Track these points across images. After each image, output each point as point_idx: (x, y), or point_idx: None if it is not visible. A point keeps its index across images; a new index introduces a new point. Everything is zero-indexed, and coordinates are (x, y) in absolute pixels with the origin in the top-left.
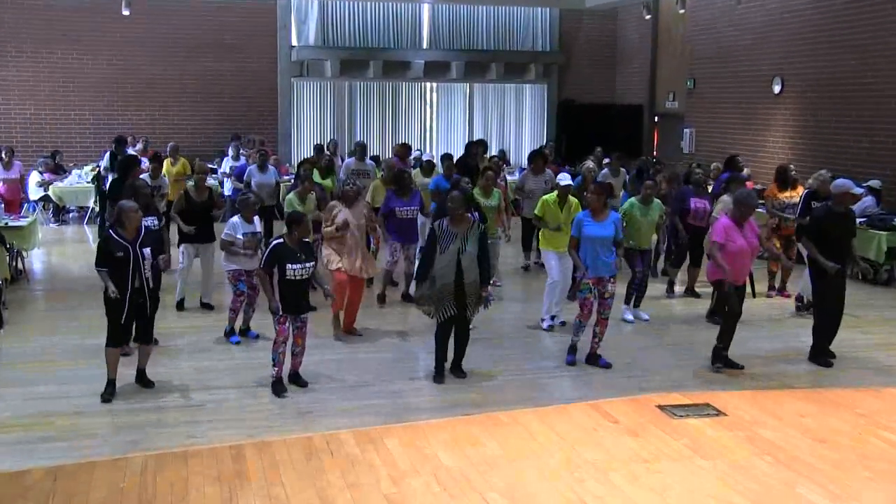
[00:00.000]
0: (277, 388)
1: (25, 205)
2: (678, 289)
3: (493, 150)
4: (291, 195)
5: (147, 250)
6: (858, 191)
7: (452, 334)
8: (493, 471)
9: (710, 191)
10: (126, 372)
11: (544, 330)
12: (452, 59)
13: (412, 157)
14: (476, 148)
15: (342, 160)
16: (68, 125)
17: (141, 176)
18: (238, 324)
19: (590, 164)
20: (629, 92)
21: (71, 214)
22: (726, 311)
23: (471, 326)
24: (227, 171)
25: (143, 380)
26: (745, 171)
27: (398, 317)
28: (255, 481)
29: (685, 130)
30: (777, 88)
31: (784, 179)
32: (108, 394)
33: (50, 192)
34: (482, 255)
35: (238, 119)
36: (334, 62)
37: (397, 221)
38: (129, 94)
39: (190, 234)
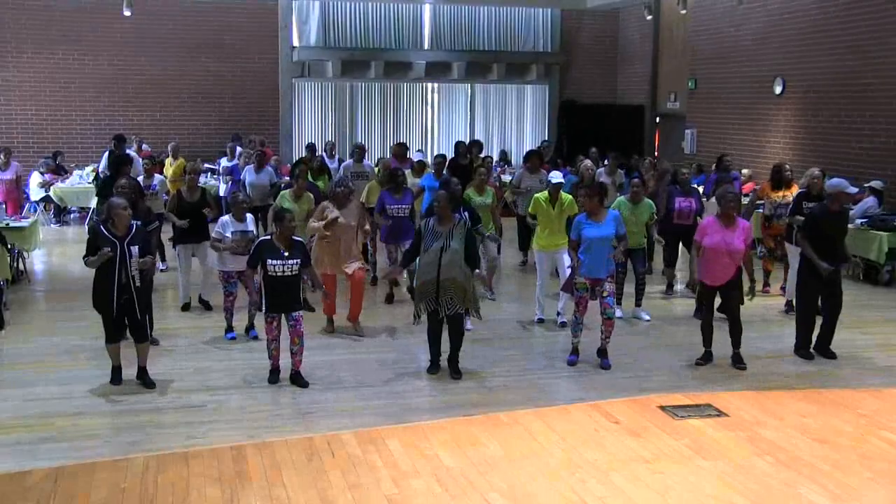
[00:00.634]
0: (271, 377)
1: (26, 205)
2: (678, 287)
3: (495, 151)
4: (285, 192)
5: (135, 248)
6: (852, 190)
7: (446, 331)
8: (493, 471)
9: (702, 191)
10: (127, 372)
11: (559, 326)
12: (454, 60)
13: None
14: (471, 148)
15: (339, 162)
16: (69, 126)
17: (138, 176)
18: (242, 323)
19: (588, 162)
20: (630, 92)
21: (72, 215)
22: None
23: (468, 328)
24: (223, 170)
25: (143, 378)
26: (746, 172)
27: (399, 317)
28: (256, 482)
29: (686, 131)
30: (778, 89)
31: (778, 179)
32: (116, 379)
33: (51, 193)
34: (469, 253)
35: (239, 119)
36: (335, 63)
37: (389, 220)
38: (129, 94)
39: (183, 227)
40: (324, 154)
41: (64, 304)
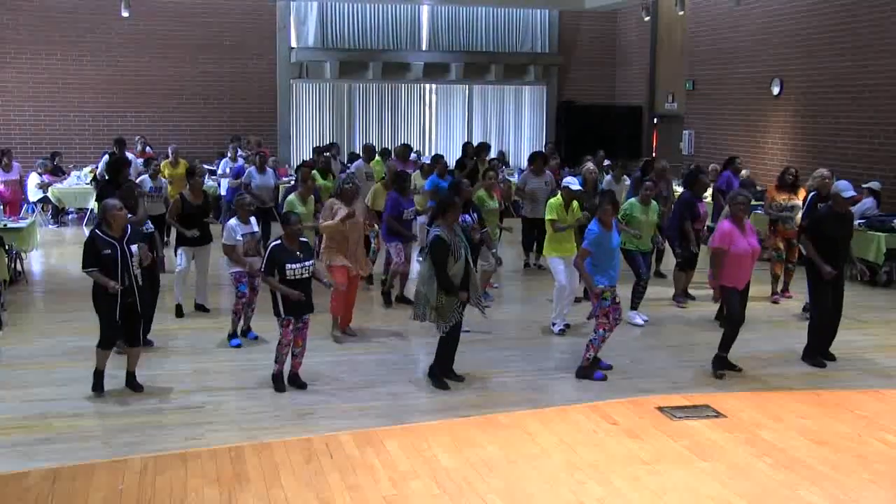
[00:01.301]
0: (278, 384)
1: (25, 206)
2: (693, 292)
3: (493, 152)
4: (293, 196)
5: (134, 247)
6: (847, 194)
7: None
8: (492, 473)
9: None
10: (121, 374)
11: (556, 335)
12: (452, 61)
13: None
14: (479, 151)
15: (342, 164)
16: (67, 127)
17: (141, 177)
18: (240, 325)
19: (590, 165)
20: (629, 93)
21: (70, 216)
22: (728, 317)
23: (465, 329)
24: (226, 171)
25: (132, 383)
26: (745, 172)
27: (397, 318)
28: (255, 483)
29: (685, 132)
30: (776, 90)
31: (782, 182)
32: (99, 387)
33: (49, 194)
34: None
35: (237, 120)
36: (333, 63)
37: (412, 216)
38: (128, 95)
39: (193, 237)
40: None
41: (62, 304)
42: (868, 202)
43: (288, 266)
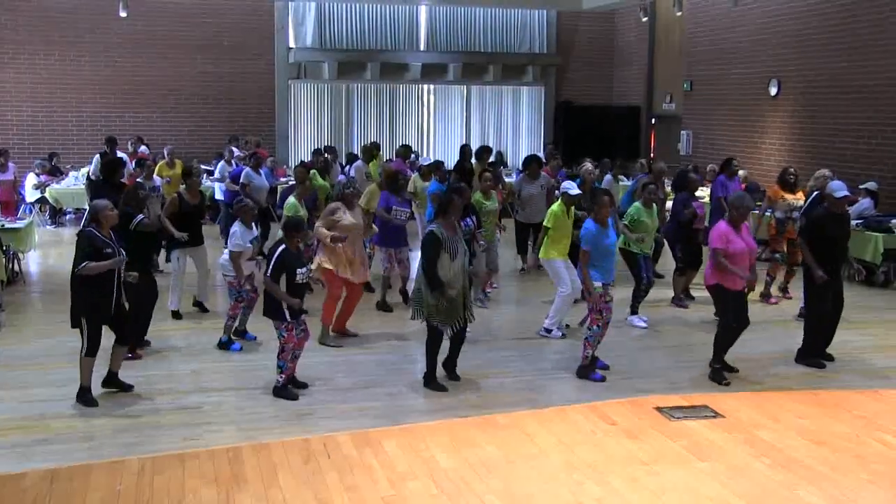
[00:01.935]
0: (287, 393)
1: (22, 206)
2: (695, 294)
3: (492, 154)
4: (292, 199)
5: (122, 250)
6: (841, 194)
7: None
8: (490, 473)
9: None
10: (122, 374)
11: (556, 339)
12: (450, 61)
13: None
14: (482, 154)
15: (340, 165)
16: (65, 127)
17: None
18: (235, 325)
19: (588, 165)
20: (627, 94)
21: (68, 216)
22: (728, 321)
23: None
24: (224, 175)
25: (119, 384)
26: (742, 173)
27: (395, 319)
28: (253, 484)
29: (682, 132)
30: (774, 90)
31: (784, 181)
32: (91, 401)
33: (47, 195)
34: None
35: (236, 121)
36: (332, 64)
37: (389, 224)
38: (126, 96)
39: (182, 240)
40: (326, 156)
41: (60, 305)
42: (865, 203)
43: (298, 271)
